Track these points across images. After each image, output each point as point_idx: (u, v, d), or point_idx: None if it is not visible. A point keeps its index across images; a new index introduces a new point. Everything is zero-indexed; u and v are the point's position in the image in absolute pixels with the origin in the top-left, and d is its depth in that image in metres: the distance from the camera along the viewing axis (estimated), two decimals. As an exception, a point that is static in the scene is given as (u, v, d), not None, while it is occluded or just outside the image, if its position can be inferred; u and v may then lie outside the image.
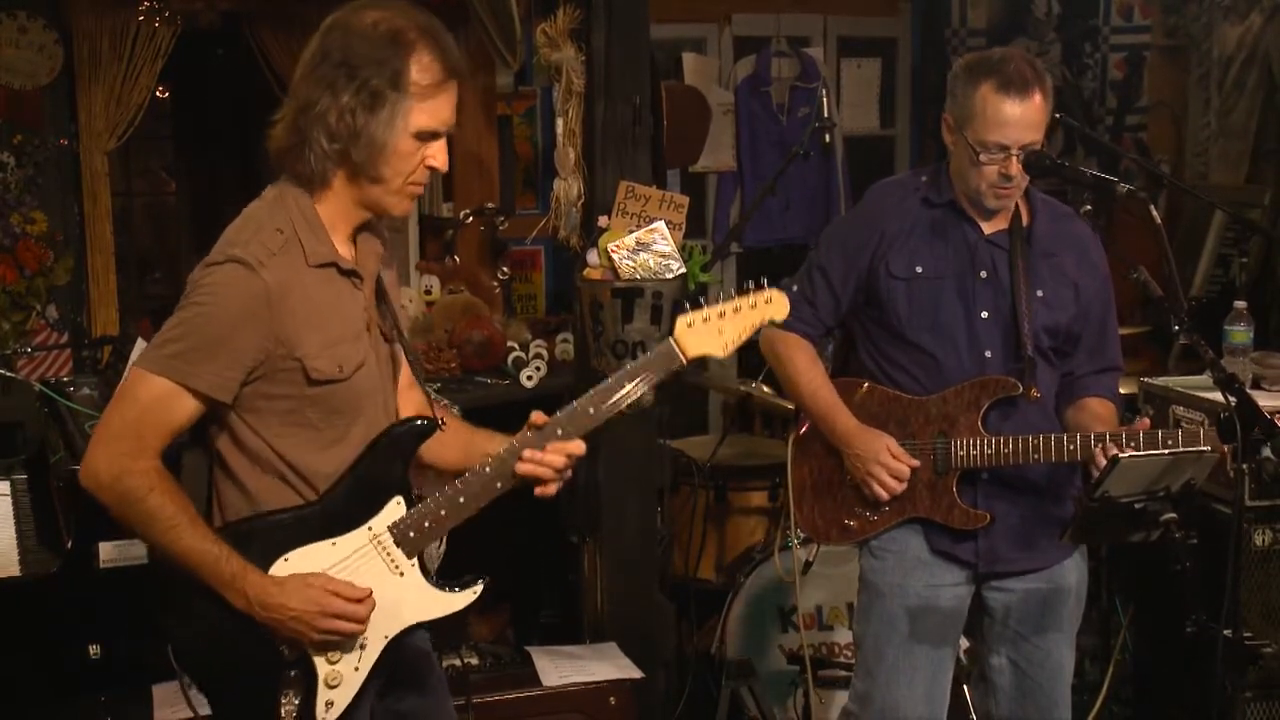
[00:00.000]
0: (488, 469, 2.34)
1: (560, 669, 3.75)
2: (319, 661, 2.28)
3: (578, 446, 2.34)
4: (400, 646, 2.37)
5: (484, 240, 5.43)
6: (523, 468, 2.33)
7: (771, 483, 4.46)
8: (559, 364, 4.70)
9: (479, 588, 2.38)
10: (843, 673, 3.98)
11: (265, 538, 2.26)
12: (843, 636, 4.14)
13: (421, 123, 2.23)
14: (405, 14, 2.26)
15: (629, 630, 4.04)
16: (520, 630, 4.66)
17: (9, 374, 4.18)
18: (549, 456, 2.33)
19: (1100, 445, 2.81)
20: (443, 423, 2.39)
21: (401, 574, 2.32)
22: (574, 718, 3.67)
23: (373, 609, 2.28)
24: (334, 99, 2.20)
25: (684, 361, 2.31)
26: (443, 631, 4.38)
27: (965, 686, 3.45)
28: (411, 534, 2.32)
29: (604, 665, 3.79)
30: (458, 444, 2.46)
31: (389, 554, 2.31)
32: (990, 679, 3.10)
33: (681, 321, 2.30)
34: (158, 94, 7.20)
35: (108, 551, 3.51)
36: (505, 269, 5.37)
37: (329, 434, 2.29)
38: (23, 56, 5.73)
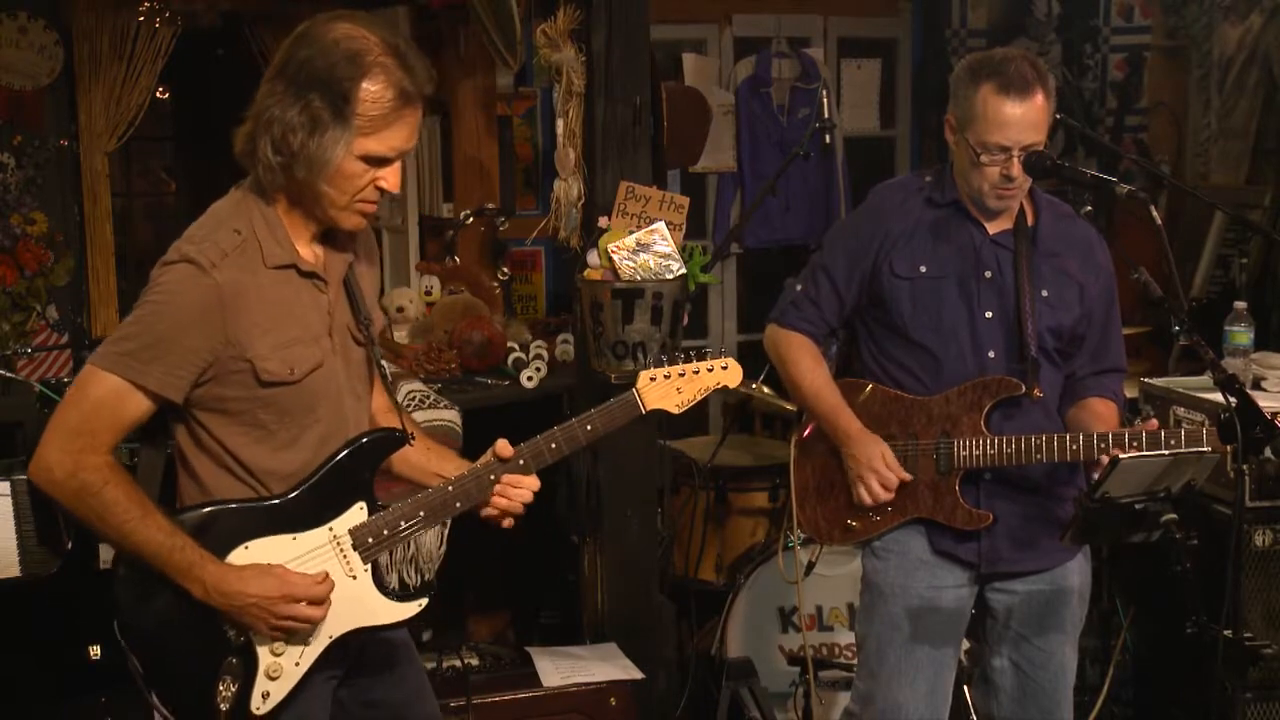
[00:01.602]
0: (449, 488, 2.41)
1: (560, 669, 3.75)
2: (262, 652, 2.31)
3: (534, 483, 2.45)
4: (354, 644, 2.41)
5: (484, 241, 5.43)
6: (495, 499, 2.42)
7: (772, 483, 4.46)
8: (559, 365, 4.70)
9: (424, 600, 2.43)
10: (843, 673, 3.98)
11: (228, 523, 2.30)
12: (843, 637, 4.14)
13: (368, 149, 2.23)
14: (373, 32, 2.23)
15: (629, 630, 4.04)
16: (520, 630, 4.67)
17: (9, 374, 4.18)
18: (519, 491, 2.43)
19: (1104, 446, 2.81)
20: (412, 437, 2.45)
21: (354, 577, 2.36)
22: (574, 718, 3.67)
23: (329, 601, 2.31)
24: (281, 113, 2.21)
25: (643, 412, 2.49)
26: (442, 632, 4.38)
27: (966, 688, 3.45)
28: (370, 539, 2.36)
29: (604, 666, 3.80)
30: (416, 458, 2.51)
31: (345, 556, 2.36)
32: (992, 680, 3.10)
33: (645, 375, 2.50)
34: (158, 95, 7.21)
35: (108, 552, 3.50)
36: (505, 269, 5.36)
37: (282, 435, 2.32)
38: (23, 57, 5.74)
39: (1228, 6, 5.32)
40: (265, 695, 2.31)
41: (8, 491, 3.58)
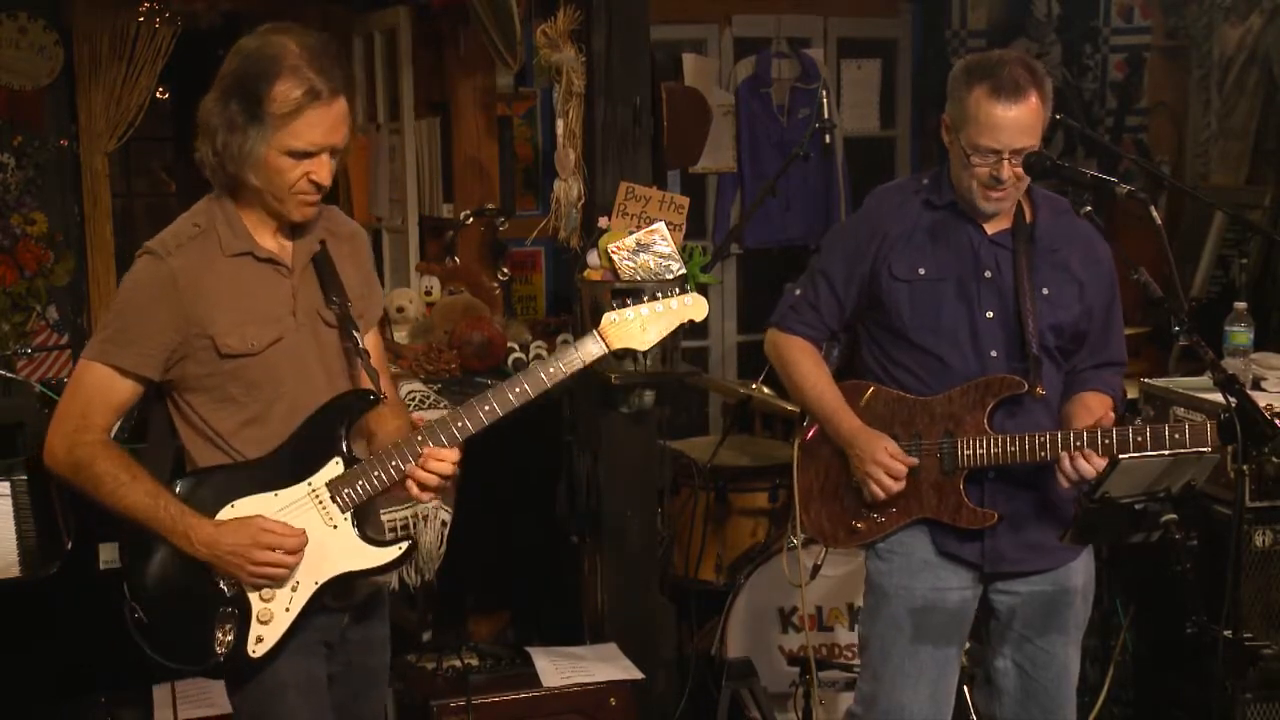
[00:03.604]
0: (419, 438, 2.54)
1: (560, 669, 3.76)
2: (253, 599, 2.51)
3: (452, 454, 2.52)
4: (345, 590, 2.58)
5: (484, 241, 5.43)
6: (414, 471, 2.52)
7: (772, 484, 4.46)
8: (559, 365, 4.69)
9: (405, 545, 2.59)
10: (843, 674, 3.98)
11: (214, 486, 2.53)
12: (843, 637, 4.14)
13: (287, 144, 2.44)
14: (293, 40, 2.46)
15: (629, 631, 4.04)
16: (520, 630, 4.66)
17: (9, 374, 4.19)
18: (439, 465, 2.51)
19: (1108, 443, 2.80)
20: (383, 397, 2.62)
21: (335, 526, 2.54)
22: (574, 718, 3.67)
23: (304, 545, 2.50)
24: (209, 119, 2.47)
25: (607, 350, 2.55)
26: (442, 632, 4.38)
27: (967, 689, 3.45)
28: (346, 491, 2.54)
29: (604, 666, 3.80)
30: (396, 424, 2.68)
31: (324, 507, 2.54)
32: (995, 681, 3.09)
33: (607, 317, 2.55)
34: (157, 95, 7.21)
35: (108, 552, 3.51)
36: (505, 270, 5.37)
37: (253, 408, 2.53)
38: (23, 57, 5.75)
39: (1228, 7, 5.32)
40: (259, 639, 2.50)
41: (8, 491, 3.58)
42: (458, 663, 3.85)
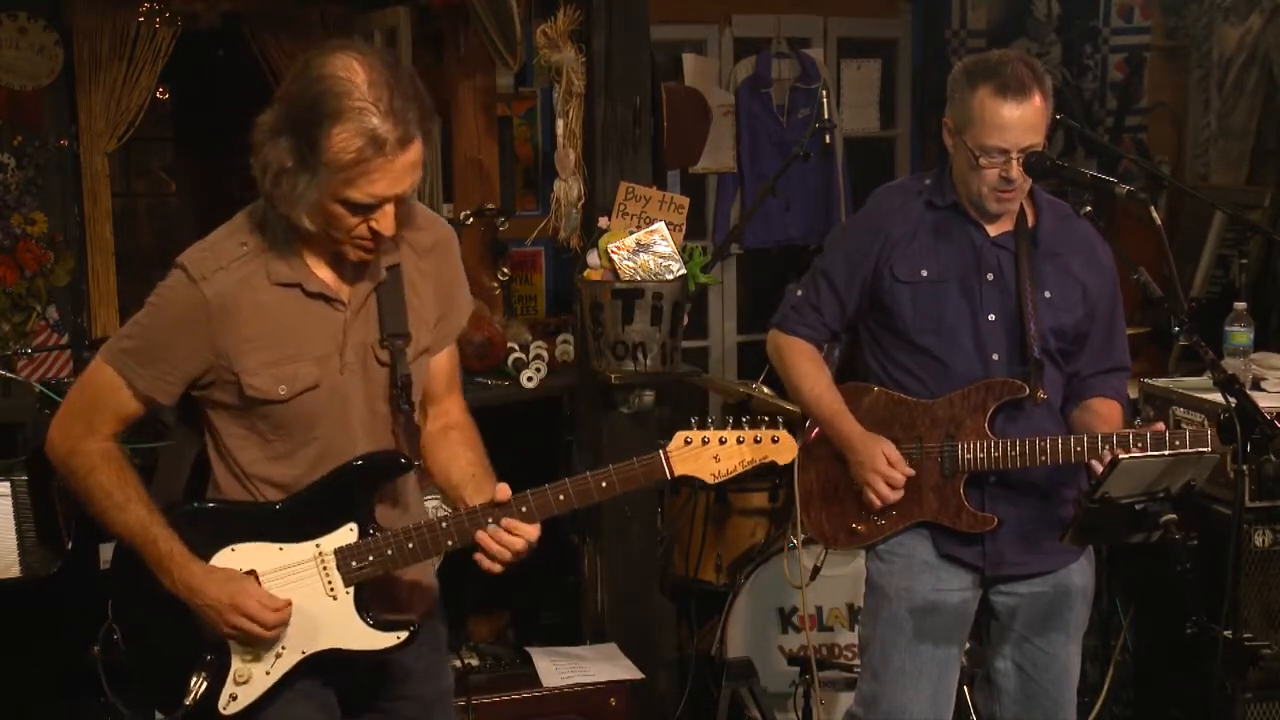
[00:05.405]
0: (444, 525, 2.33)
1: (560, 670, 3.76)
2: (235, 656, 2.34)
3: (533, 531, 2.32)
4: (337, 663, 2.38)
5: (484, 241, 5.42)
6: (484, 539, 2.31)
7: (772, 484, 4.45)
8: (559, 365, 4.70)
9: (404, 634, 2.37)
10: (843, 674, 3.98)
11: (219, 523, 2.35)
12: (843, 638, 4.14)
13: (346, 195, 2.14)
14: (363, 70, 2.11)
15: (629, 631, 4.04)
16: (520, 630, 4.66)
17: (9, 375, 4.19)
18: (509, 538, 2.31)
19: (1107, 447, 2.80)
20: (417, 463, 2.38)
21: (335, 598, 2.34)
22: (574, 718, 3.67)
23: (285, 622, 2.31)
24: (261, 146, 2.16)
25: (669, 478, 2.31)
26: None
27: (967, 689, 3.45)
28: (354, 562, 2.33)
29: (604, 666, 3.80)
30: (457, 477, 2.43)
31: (328, 575, 2.34)
32: (995, 682, 3.09)
33: (680, 437, 2.30)
34: (158, 95, 7.21)
35: (108, 552, 3.51)
36: (505, 270, 5.36)
37: (279, 446, 2.33)
38: (23, 57, 5.74)
39: (1228, 7, 5.32)
40: (232, 698, 2.35)
41: (8, 492, 3.59)
42: (458, 663, 3.85)
